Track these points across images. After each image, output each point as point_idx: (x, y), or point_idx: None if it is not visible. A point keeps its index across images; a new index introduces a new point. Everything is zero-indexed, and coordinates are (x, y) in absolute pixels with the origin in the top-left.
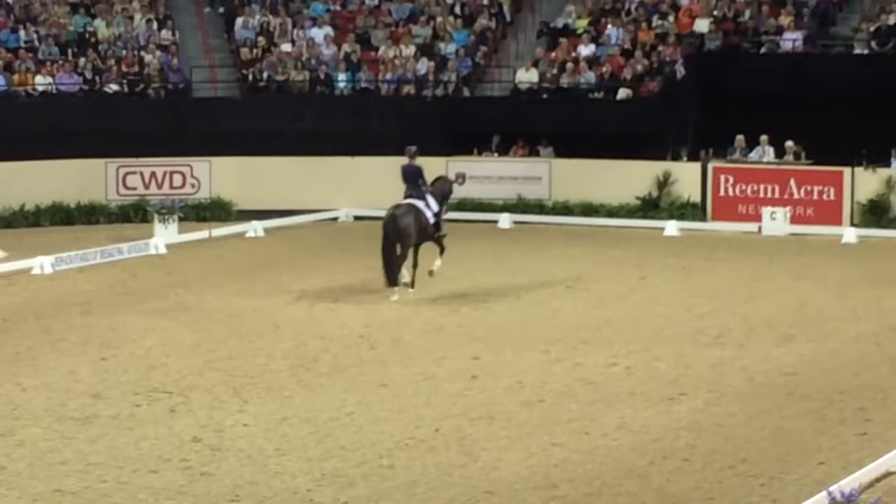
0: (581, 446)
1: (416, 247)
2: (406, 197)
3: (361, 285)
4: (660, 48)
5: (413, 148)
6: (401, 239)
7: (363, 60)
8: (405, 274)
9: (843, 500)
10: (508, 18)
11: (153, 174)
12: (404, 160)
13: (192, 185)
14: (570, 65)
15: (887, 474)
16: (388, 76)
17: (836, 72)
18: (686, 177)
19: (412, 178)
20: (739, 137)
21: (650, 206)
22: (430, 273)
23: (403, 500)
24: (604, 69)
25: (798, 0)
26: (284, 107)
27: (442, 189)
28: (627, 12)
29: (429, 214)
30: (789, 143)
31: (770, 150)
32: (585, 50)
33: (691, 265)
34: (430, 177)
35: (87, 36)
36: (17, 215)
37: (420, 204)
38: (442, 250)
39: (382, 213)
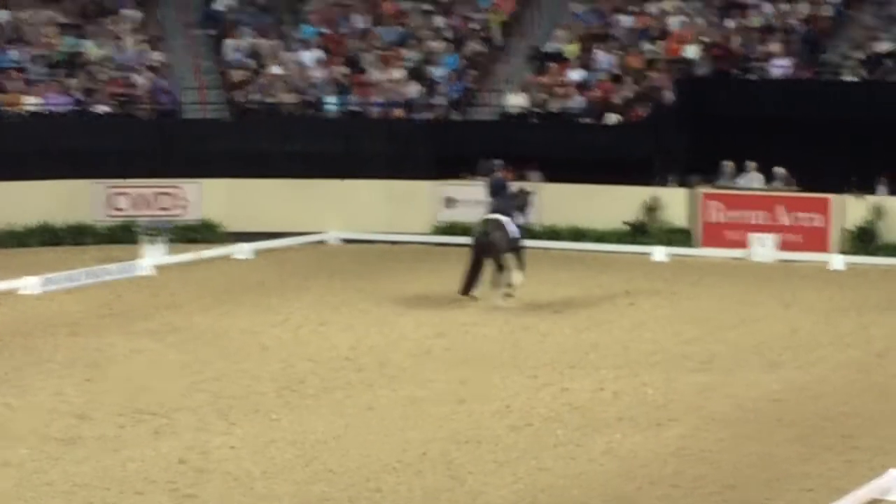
0: (568, 471)
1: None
2: (491, 210)
3: (349, 308)
4: (649, 74)
5: (499, 162)
6: (492, 253)
7: (353, 83)
8: (476, 290)
9: None
10: (498, 43)
11: (142, 195)
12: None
13: (181, 207)
14: (559, 90)
15: (874, 502)
16: (378, 99)
17: (825, 98)
18: (674, 202)
19: (498, 190)
20: (728, 163)
21: (638, 232)
22: (510, 286)
23: None
24: (593, 94)
25: (787, 27)
26: (274, 129)
27: (521, 202)
28: (617, 38)
29: (513, 228)
30: (779, 169)
31: (758, 176)
32: (575, 75)
33: (679, 291)
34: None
35: (77, 57)
36: (4, 235)
37: (505, 219)
38: (522, 265)
39: (372, 237)
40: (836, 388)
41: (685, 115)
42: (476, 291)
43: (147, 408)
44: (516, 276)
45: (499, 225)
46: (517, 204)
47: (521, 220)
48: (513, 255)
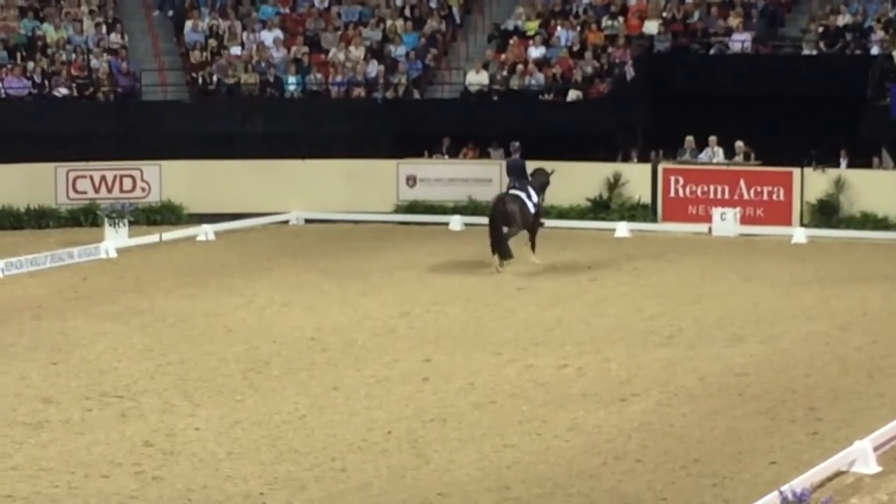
0: (533, 447)
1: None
2: (510, 188)
3: (313, 288)
4: (609, 50)
5: (517, 144)
6: (507, 223)
7: (313, 63)
8: (498, 260)
9: (794, 500)
10: (458, 21)
11: (103, 178)
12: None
13: (143, 189)
14: (520, 67)
15: (838, 473)
16: (339, 79)
17: (784, 73)
18: (636, 178)
19: (516, 171)
20: (689, 138)
21: (601, 208)
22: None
23: (356, 503)
24: (554, 71)
25: (746, 1)
26: (234, 110)
27: (540, 181)
28: (577, 14)
29: (530, 205)
30: (739, 144)
31: (720, 151)
32: (535, 52)
33: (642, 266)
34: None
35: (35, 40)
36: None
37: (523, 195)
38: (533, 235)
39: (334, 217)
40: (799, 362)
41: (646, 91)
42: (508, 257)
43: (112, 391)
44: (533, 257)
45: (515, 199)
46: (537, 183)
47: (539, 198)
48: (530, 231)
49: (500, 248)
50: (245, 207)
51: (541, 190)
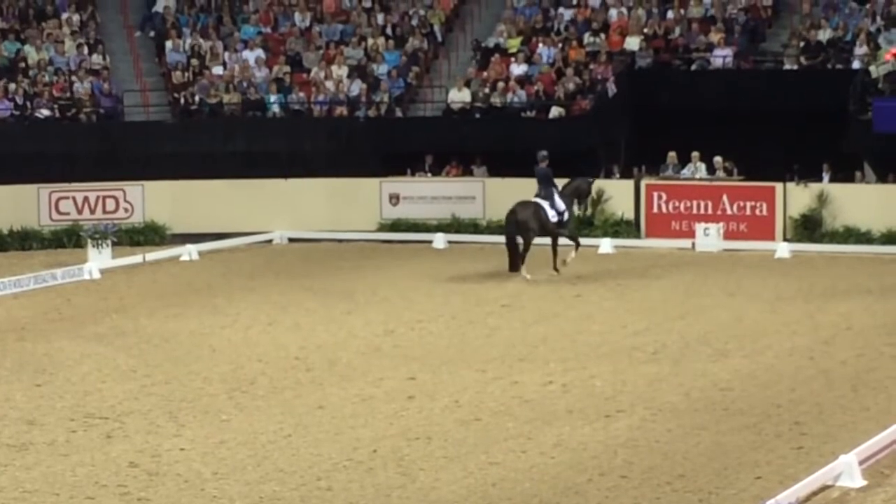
0: (518, 465)
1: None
2: (535, 196)
3: (297, 307)
4: (591, 66)
5: (544, 153)
6: (520, 232)
7: (295, 82)
8: (522, 269)
9: None
10: (440, 39)
11: (86, 199)
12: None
13: (126, 210)
14: (501, 84)
15: (824, 488)
16: (321, 98)
17: (766, 87)
18: (619, 194)
19: (543, 179)
20: (671, 154)
21: (584, 224)
22: (564, 263)
23: None
24: (536, 88)
25: (728, 17)
26: (217, 129)
27: (577, 187)
28: (558, 31)
29: (551, 213)
30: (717, 159)
31: (702, 167)
32: (517, 69)
33: (626, 282)
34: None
35: (17, 61)
36: None
37: (545, 203)
38: (555, 249)
39: (317, 235)
40: (783, 376)
41: (628, 107)
42: (524, 270)
43: (97, 412)
44: (569, 255)
45: (528, 205)
46: (571, 188)
47: (562, 206)
48: (561, 237)
49: (516, 261)
50: (228, 227)
51: (580, 197)
